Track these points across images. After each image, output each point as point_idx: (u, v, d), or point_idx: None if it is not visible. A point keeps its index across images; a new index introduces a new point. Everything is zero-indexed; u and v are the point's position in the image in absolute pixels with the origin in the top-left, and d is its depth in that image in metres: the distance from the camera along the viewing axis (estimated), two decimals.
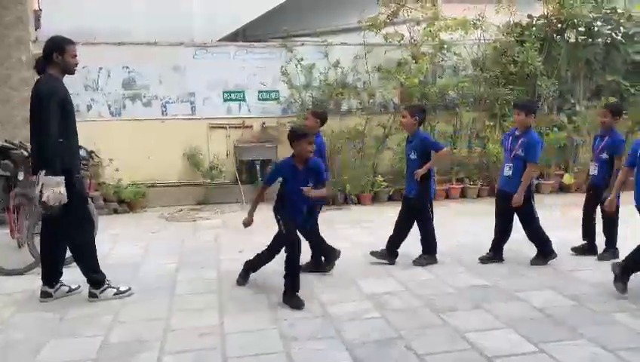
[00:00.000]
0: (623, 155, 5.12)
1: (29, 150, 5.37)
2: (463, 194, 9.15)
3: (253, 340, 3.59)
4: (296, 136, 4.33)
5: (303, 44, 9.23)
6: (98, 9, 9.01)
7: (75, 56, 4.24)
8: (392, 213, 7.36)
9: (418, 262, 5.17)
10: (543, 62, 9.09)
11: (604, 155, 5.28)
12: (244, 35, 10.80)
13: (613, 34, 9.44)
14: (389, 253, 5.25)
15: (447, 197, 9.04)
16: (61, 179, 4.00)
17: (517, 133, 5.13)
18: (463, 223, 7.10)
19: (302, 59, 8.98)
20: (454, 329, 3.68)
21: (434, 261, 5.22)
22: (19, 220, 5.34)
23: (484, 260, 5.22)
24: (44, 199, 3.98)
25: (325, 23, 10.49)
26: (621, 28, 9.42)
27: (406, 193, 5.32)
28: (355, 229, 6.81)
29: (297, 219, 4.47)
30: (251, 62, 9.05)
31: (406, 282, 4.71)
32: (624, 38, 9.45)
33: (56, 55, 4.14)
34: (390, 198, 8.84)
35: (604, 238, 5.33)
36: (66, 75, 4.27)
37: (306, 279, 4.85)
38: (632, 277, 4.30)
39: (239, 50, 9.08)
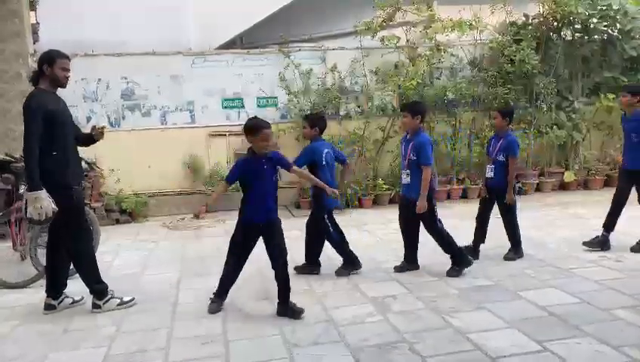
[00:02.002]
0: (518, 156, 5.23)
1: None
2: (465, 195, 9.14)
3: (257, 347, 3.59)
4: (247, 131, 4.15)
5: (299, 50, 9.26)
6: (96, 21, 9.08)
7: (65, 69, 4.23)
8: (392, 215, 7.36)
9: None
10: (540, 60, 9.10)
11: (501, 157, 5.24)
12: (242, 42, 10.85)
13: (610, 30, 9.44)
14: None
15: (449, 198, 9.03)
16: (39, 193, 3.99)
17: (408, 136, 4.98)
18: (465, 224, 7.08)
19: (299, 65, 9.01)
20: (457, 331, 3.68)
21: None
22: (21, 233, 5.35)
23: (397, 269, 5.09)
24: (28, 215, 4.06)
25: (321, 27, 10.53)
26: (617, 24, 9.42)
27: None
28: (356, 232, 6.79)
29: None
30: (249, 69, 9.08)
31: (408, 284, 4.70)
32: (620, 34, 9.45)
33: (46, 67, 4.16)
34: (391, 201, 8.83)
35: (508, 239, 5.36)
36: (62, 88, 4.27)
37: (307, 283, 4.86)
38: (636, 273, 4.29)
39: (236, 57, 9.11)
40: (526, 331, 3.60)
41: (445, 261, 5.36)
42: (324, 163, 4.93)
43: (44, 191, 4.02)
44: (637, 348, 3.29)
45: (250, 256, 5.01)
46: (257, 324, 3.98)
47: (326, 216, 5.03)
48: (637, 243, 5.38)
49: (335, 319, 3.99)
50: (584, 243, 5.45)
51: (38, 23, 8.94)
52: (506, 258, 5.27)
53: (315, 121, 5.10)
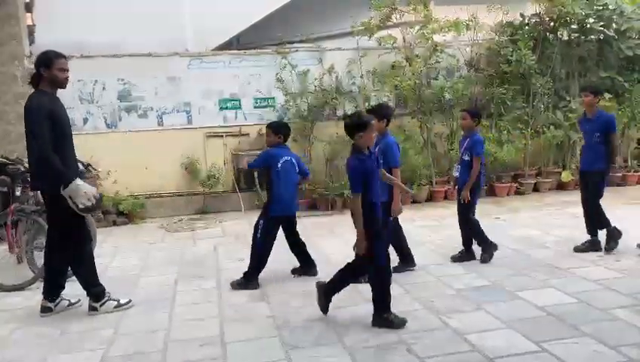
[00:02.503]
0: (481, 155, 5.22)
1: (26, 165, 5.40)
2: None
3: (255, 349, 3.58)
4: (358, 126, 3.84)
5: (296, 51, 9.25)
6: (91, 23, 9.06)
7: (63, 69, 4.21)
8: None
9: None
10: (537, 60, 9.12)
11: (466, 157, 5.26)
12: (238, 43, 10.85)
13: (606, 30, 9.46)
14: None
15: (446, 198, 9.03)
16: (75, 182, 4.04)
17: (375, 139, 4.98)
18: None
19: (296, 66, 9.01)
20: (455, 331, 3.68)
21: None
22: (17, 236, 5.33)
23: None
24: (80, 208, 4.05)
25: (318, 28, 10.53)
26: (613, 24, 9.45)
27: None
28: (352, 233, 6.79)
29: None
30: (246, 70, 9.07)
31: (406, 285, 4.70)
32: (617, 34, 9.47)
33: (44, 69, 4.15)
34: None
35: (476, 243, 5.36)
36: (60, 89, 4.26)
37: (305, 286, 4.85)
38: (634, 273, 4.30)
39: (233, 58, 9.10)
40: (524, 331, 3.60)
41: (442, 261, 5.38)
42: (278, 168, 4.88)
43: (77, 178, 4.08)
44: (635, 347, 3.29)
45: (246, 259, 5.02)
46: (255, 326, 3.97)
47: (261, 222, 4.93)
48: (582, 243, 5.44)
49: (333, 320, 3.98)
50: (575, 250, 5.43)
51: (34, 25, 8.92)
52: (482, 260, 5.23)
53: (278, 129, 5.08)
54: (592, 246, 5.41)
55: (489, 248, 5.29)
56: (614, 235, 5.39)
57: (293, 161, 5.02)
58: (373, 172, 3.85)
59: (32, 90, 4.22)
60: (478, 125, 5.42)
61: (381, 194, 4.09)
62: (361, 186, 3.75)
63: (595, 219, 5.44)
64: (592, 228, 5.48)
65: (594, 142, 5.44)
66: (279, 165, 4.90)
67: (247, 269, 4.92)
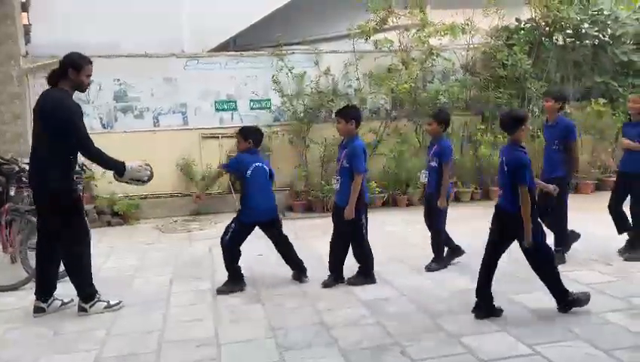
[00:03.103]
0: (450, 162, 5.14)
1: (21, 165, 5.38)
2: (457, 198, 9.17)
3: (249, 350, 3.59)
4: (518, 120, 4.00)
5: (293, 53, 9.26)
6: (88, 23, 9.01)
7: (90, 75, 4.29)
8: (385, 218, 7.39)
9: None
10: (532, 65, 9.16)
11: (434, 163, 5.18)
12: (235, 44, 10.83)
13: (601, 35, 9.53)
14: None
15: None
16: (129, 165, 4.33)
17: (343, 142, 4.90)
18: (456, 227, 7.10)
19: (293, 68, 9.02)
20: (449, 334, 3.69)
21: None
22: (11, 235, 5.31)
23: (350, 281, 4.90)
24: (146, 180, 4.41)
25: (315, 30, 10.54)
26: (608, 29, 9.51)
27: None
28: None
29: None
30: (242, 71, 9.08)
31: (401, 288, 4.71)
32: (611, 40, 9.54)
33: (72, 71, 4.17)
34: (384, 204, 8.86)
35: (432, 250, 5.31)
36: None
37: (300, 287, 4.86)
38: (626, 277, 4.32)
39: (230, 59, 9.10)
40: (517, 334, 3.62)
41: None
42: (248, 175, 4.79)
43: (128, 162, 4.32)
44: (627, 351, 3.32)
45: (241, 259, 5.02)
46: (250, 327, 3.97)
47: (232, 225, 4.90)
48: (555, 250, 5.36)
49: (328, 322, 3.99)
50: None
51: (30, 24, 8.89)
52: (428, 268, 5.17)
53: (247, 135, 4.95)
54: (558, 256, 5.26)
55: (441, 261, 5.22)
56: (571, 238, 5.41)
57: (265, 167, 4.91)
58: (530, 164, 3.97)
59: (50, 88, 4.23)
60: (445, 130, 5.31)
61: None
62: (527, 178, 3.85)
63: (558, 230, 5.25)
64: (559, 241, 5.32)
65: (553, 149, 5.27)
66: (249, 172, 4.80)
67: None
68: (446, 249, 5.35)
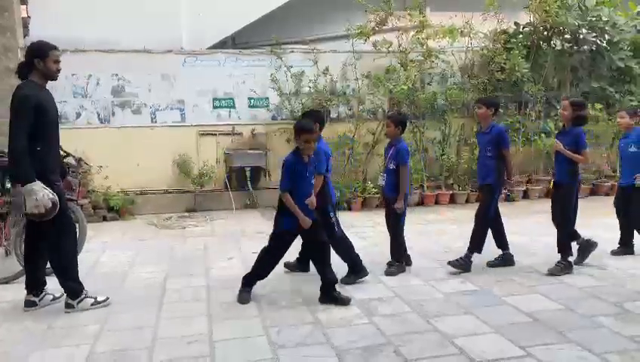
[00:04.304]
0: (407, 164, 5.12)
1: None
2: (453, 200, 9.20)
3: (242, 347, 3.58)
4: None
5: (292, 52, 9.27)
6: (87, 17, 9.00)
7: (58, 62, 4.16)
8: (381, 219, 7.39)
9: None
10: (530, 69, 9.21)
11: (392, 165, 5.15)
12: (234, 42, 10.83)
13: (598, 41, 9.58)
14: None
15: (437, 203, 9.09)
16: (32, 186, 3.91)
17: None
18: (452, 229, 7.14)
19: (291, 67, 9.02)
20: (443, 335, 3.70)
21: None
22: (6, 228, 5.29)
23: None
24: (26, 211, 3.98)
25: (314, 30, 10.55)
26: (606, 35, 9.57)
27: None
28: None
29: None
30: (240, 69, 9.08)
31: (395, 288, 4.72)
32: (609, 45, 9.59)
33: (38, 61, 4.08)
34: (379, 205, 8.86)
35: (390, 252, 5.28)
36: (50, 81, 4.22)
37: (294, 285, 4.86)
38: (619, 281, 4.33)
39: (228, 57, 9.10)
40: (510, 336, 3.63)
41: (431, 265, 5.41)
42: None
43: (37, 182, 3.94)
44: (619, 354, 3.34)
45: (239, 258, 5.02)
46: (243, 325, 3.97)
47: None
48: (495, 258, 5.37)
49: (321, 321, 3.99)
50: (488, 265, 5.33)
51: (29, 17, 8.86)
52: (387, 273, 5.11)
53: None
54: (503, 261, 5.35)
55: (399, 266, 5.18)
56: (506, 258, 5.35)
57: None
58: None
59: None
60: (402, 133, 5.25)
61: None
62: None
63: (476, 235, 5.24)
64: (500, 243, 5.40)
65: (485, 155, 5.24)
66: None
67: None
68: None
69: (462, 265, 5.14)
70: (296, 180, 4.29)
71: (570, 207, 5.18)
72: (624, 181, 5.72)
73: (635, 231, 5.67)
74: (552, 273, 5.00)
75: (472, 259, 5.20)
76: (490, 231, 5.34)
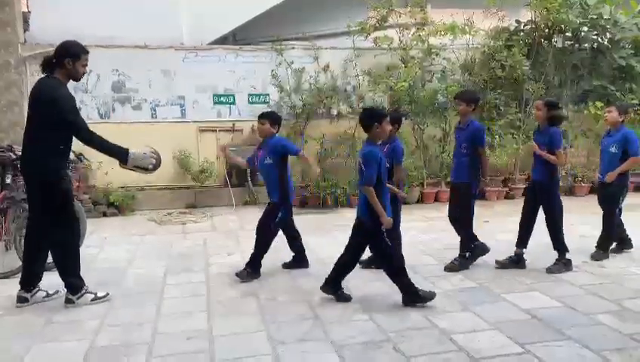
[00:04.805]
0: (402, 163, 5.05)
1: (17, 153, 5.35)
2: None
3: (241, 343, 3.59)
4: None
5: (293, 48, 9.26)
6: (87, 13, 8.97)
7: (86, 65, 4.25)
8: None
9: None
10: (531, 66, 9.19)
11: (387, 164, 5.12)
12: (234, 38, 10.80)
13: (600, 39, 9.56)
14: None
15: (437, 200, 9.09)
16: (132, 153, 4.21)
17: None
18: (451, 227, 7.13)
19: (292, 63, 9.01)
20: (442, 331, 3.71)
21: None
22: (6, 223, 5.29)
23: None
24: (150, 168, 4.30)
25: (315, 26, 10.51)
26: (607, 33, 9.55)
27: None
28: (346, 232, 6.80)
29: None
30: (241, 65, 9.07)
31: (394, 285, 4.72)
32: (610, 44, 9.58)
33: (69, 61, 4.12)
34: None
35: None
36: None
37: (294, 281, 4.87)
38: (617, 279, 4.34)
39: (229, 53, 9.09)
40: (509, 333, 3.64)
41: (430, 262, 5.41)
42: None
43: (133, 149, 4.21)
44: (617, 352, 3.34)
45: (237, 253, 5.03)
46: (243, 320, 3.98)
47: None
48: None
49: (321, 317, 4.00)
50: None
51: (29, 12, 8.85)
52: (362, 265, 5.02)
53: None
54: (462, 260, 5.22)
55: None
56: (477, 253, 5.23)
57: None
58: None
59: (45, 76, 4.18)
60: (397, 131, 5.16)
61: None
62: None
63: (462, 235, 5.23)
64: (466, 245, 5.27)
65: (460, 152, 5.17)
66: None
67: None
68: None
69: (459, 266, 5.13)
70: (380, 173, 4.10)
71: (554, 207, 5.06)
72: (603, 177, 5.59)
73: (621, 225, 5.63)
74: (551, 271, 5.01)
75: (468, 257, 5.19)
76: (454, 228, 5.30)
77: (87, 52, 4.24)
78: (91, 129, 4.21)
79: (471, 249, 5.23)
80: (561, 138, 5.05)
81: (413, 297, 4.18)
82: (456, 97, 5.54)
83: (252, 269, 4.92)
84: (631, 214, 6.17)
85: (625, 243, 5.70)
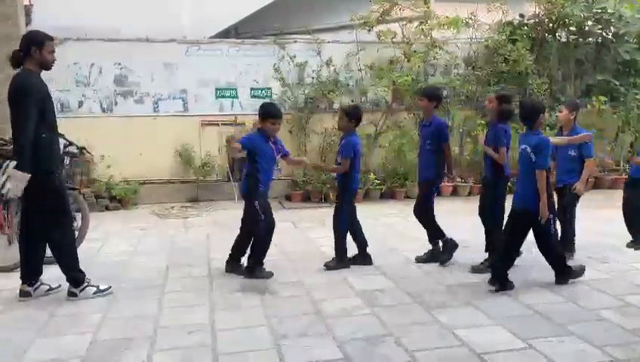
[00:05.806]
0: (351, 158, 4.94)
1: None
2: (455, 192, 9.18)
3: (243, 337, 3.59)
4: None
5: (295, 42, 9.22)
6: (89, 6, 8.94)
7: (53, 52, 4.19)
8: (383, 210, 7.40)
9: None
10: (534, 61, 9.15)
11: (339, 158, 5.02)
12: (236, 32, 10.77)
13: (604, 33, 9.51)
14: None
15: (439, 195, 9.05)
16: (24, 176, 3.95)
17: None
18: (454, 221, 7.11)
19: (294, 57, 8.98)
20: (444, 326, 3.70)
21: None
22: (9, 217, 5.29)
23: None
24: (3, 191, 4.07)
25: (318, 20, 10.48)
26: (611, 28, 9.50)
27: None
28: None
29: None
30: (243, 59, 9.04)
31: (397, 279, 4.73)
32: (614, 38, 9.53)
33: (35, 49, 4.09)
34: (382, 196, 8.86)
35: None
36: (46, 71, 4.22)
37: (296, 275, 4.87)
38: (620, 275, 4.33)
39: (231, 47, 9.06)
40: (512, 328, 3.63)
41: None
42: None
43: (28, 176, 3.96)
44: (620, 347, 3.33)
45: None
46: (245, 315, 3.98)
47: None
48: (424, 253, 5.27)
49: (323, 311, 4.00)
50: (417, 260, 5.26)
51: (31, 5, 8.82)
52: (327, 266, 5.01)
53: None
54: (432, 257, 5.22)
55: (341, 262, 5.06)
56: (448, 247, 5.17)
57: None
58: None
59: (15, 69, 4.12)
60: (356, 126, 5.10)
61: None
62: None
63: (429, 230, 5.23)
64: (432, 238, 5.26)
65: (425, 149, 5.15)
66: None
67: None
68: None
69: (429, 259, 5.17)
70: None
71: (497, 206, 4.93)
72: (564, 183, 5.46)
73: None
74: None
75: (440, 245, 5.21)
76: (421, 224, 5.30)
77: (52, 39, 4.19)
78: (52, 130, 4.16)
79: (439, 241, 5.22)
80: (503, 136, 4.86)
81: (569, 272, 4.52)
82: (417, 94, 5.51)
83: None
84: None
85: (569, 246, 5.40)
